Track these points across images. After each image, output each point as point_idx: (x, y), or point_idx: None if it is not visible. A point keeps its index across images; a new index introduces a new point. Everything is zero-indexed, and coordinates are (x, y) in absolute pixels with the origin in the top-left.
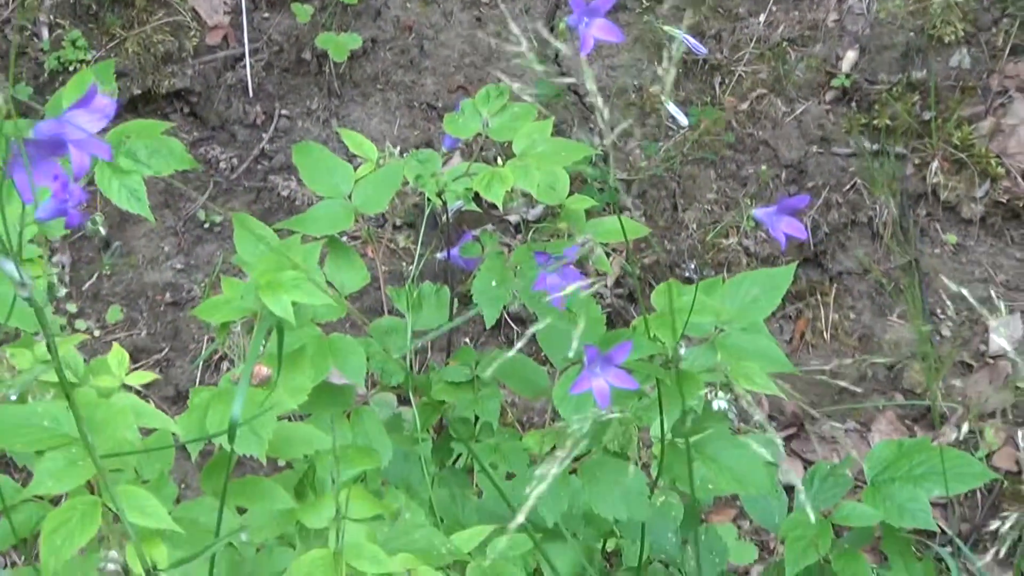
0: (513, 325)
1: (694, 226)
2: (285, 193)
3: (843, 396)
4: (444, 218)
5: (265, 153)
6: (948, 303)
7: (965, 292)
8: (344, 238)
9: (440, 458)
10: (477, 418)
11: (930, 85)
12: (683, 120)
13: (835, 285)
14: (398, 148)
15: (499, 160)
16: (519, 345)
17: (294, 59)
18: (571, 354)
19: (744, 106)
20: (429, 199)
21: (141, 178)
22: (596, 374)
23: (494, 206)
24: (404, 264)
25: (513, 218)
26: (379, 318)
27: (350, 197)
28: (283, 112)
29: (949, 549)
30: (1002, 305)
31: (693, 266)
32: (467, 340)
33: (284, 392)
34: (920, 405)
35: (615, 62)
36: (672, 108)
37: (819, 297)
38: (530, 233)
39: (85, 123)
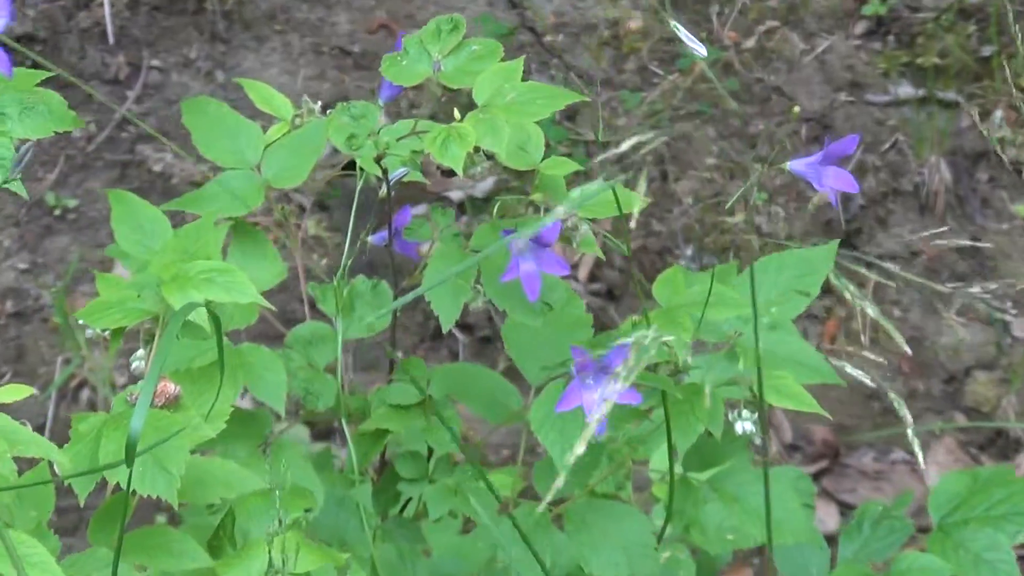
0: (458, 334)
1: (689, 200)
2: (158, 168)
3: (888, 418)
4: (385, 191)
5: (131, 117)
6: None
7: None
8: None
9: (383, 505)
10: (430, 452)
11: (990, 10)
12: (701, 50)
13: (874, 273)
14: (318, 104)
15: (446, 115)
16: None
17: None
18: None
19: (750, 43)
20: (361, 169)
21: (11, 142)
22: (588, 386)
23: (426, 181)
24: (316, 256)
25: (455, 195)
26: (298, 325)
27: (259, 168)
28: (153, 63)
29: None
30: None
31: (690, 252)
32: (400, 354)
33: (198, 416)
34: (988, 427)
35: None
36: (685, 35)
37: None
38: (495, 207)
39: None
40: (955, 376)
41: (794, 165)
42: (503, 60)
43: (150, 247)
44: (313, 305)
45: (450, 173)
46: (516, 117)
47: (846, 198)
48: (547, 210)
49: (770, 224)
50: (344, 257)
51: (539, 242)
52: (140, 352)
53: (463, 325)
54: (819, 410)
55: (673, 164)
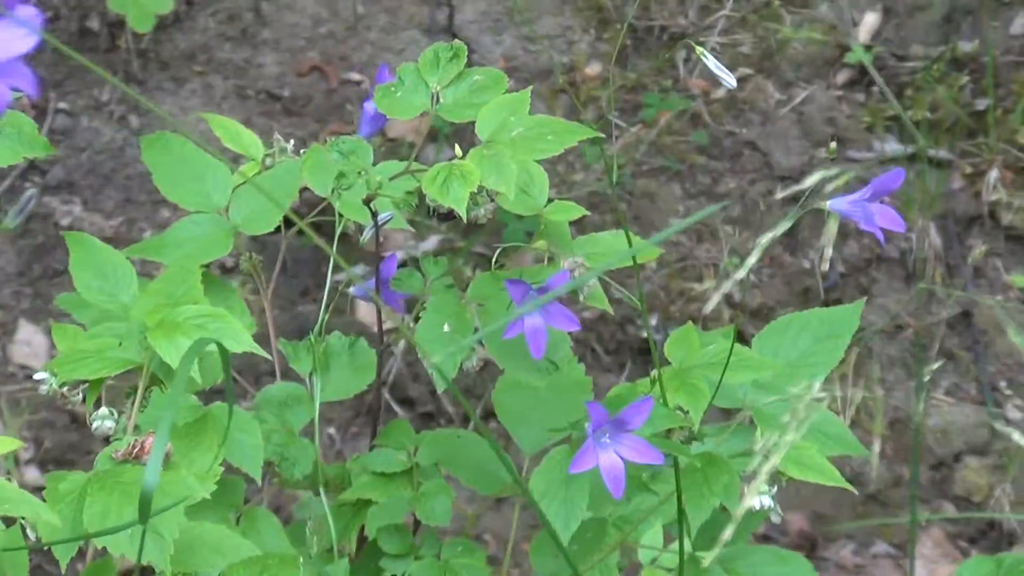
0: (398, 409)
1: (653, 264)
2: (66, 222)
3: (869, 507)
4: (374, 235)
5: (36, 165)
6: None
7: None
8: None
9: None
10: (416, 524)
11: (985, 61)
12: (731, 81)
13: (855, 348)
14: (291, 143)
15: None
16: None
17: (76, 30)
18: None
19: (720, 93)
20: (337, 214)
21: None
22: (605, 445)
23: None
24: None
25: (398, 255)
26: (269, 385)
27: (226, 211)
28: (61, 106)
29: None
30: None
31: (654, 321)
32: (331, 431)
33: (189, 476)
34: (980, 518)
35: (535, 30)
36: (713, 63)
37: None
38: (497, 252)
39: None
40: (943, 462)
41: (836, 203)
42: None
43: (114, 295)
44: (283, 363)
45: (448, 216)
46: (524, 154)
47: (828, 266)
48: (551, 259)
49: (741, 292)
50: (322, 312)
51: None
52: (103, 411)
53: (403, 400)
54: (844, 484)
55: (635, 224)
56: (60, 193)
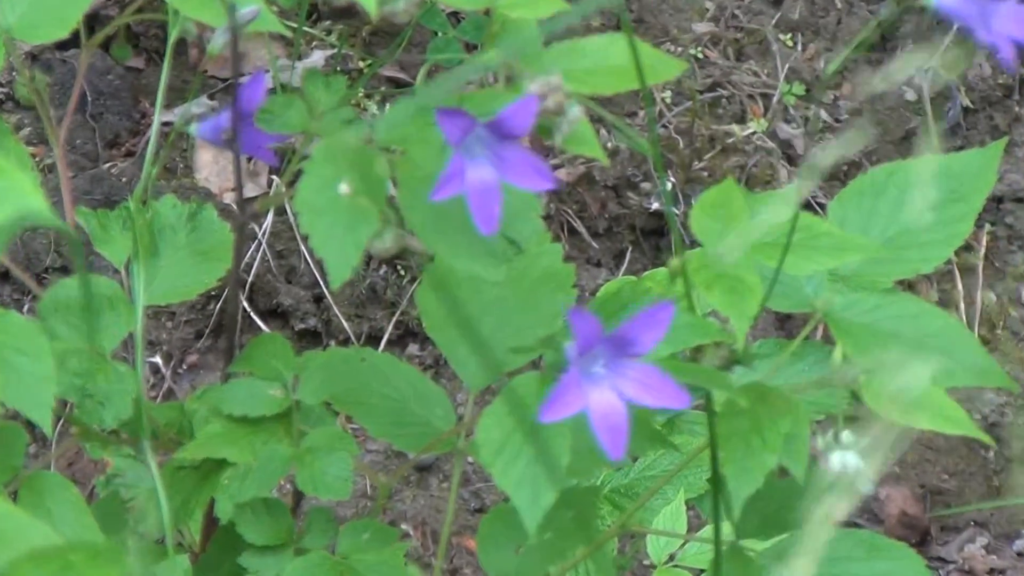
0: (263, 325)
1: (667, 97)
2: None
3: (1009, 474)
4: (229, 43)
5: None
6: None
7: None
8: None
9: None
10: (297, 498)
11: None
12: None
13: (988, 227)
14: None
15: None
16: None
17: None
18: None
19: None
20: (170, 13)
21: None
22: (596, 377)
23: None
24: None
25: (266, 78)
26: (62, 280)
27: None
28: None
29: None
30: None
31: (670, 185)
32: (156, 360)
33: None
34: None
35: None
36: None
37: (955, 254)
38: (424, 68)
39: None
40: None
41: None
42: None
43: None
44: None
45: (346, 12)
46: None
47: (944, 97)
48: (510, 79)
49: (807, 137)
50: (147, 164)
51: (501, 133)
52: None
53: (272, 311)
54: (978, 434)
55: (639, 31)
56: None
